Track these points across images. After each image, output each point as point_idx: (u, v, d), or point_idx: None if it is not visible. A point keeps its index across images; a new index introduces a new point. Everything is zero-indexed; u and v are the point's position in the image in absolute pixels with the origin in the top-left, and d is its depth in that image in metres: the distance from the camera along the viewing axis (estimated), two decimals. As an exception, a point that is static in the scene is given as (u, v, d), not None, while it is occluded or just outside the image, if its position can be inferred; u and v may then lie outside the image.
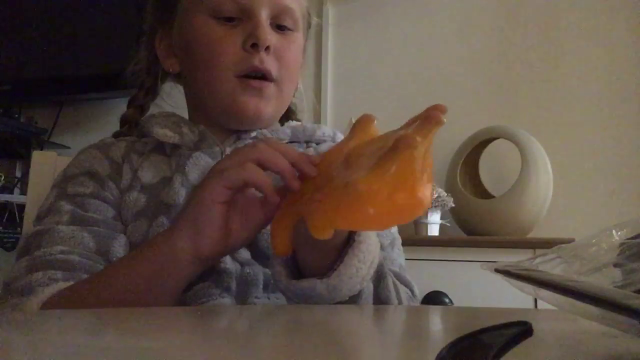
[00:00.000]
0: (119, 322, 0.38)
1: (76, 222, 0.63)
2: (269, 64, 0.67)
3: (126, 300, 0.52)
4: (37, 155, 0.85)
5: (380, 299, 0.56)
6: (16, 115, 2.31)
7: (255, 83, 0.67)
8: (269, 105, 0.69)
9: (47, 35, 2.15)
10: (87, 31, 2.11)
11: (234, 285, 0.61)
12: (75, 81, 2.09)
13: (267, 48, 0.67)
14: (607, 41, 1.94)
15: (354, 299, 0.52)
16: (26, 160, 2.28)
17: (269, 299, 0.62)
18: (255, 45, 0.66)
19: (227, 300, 0.60)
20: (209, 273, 0.61)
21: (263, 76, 0.67)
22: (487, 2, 2.06)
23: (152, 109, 0.81)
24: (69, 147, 2.28)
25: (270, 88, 0.68)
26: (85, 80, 2.07)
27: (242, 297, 0.61)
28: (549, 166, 1.74)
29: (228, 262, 0.61)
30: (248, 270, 0.61)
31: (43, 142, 2.30)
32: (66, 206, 0.65)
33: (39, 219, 0.66)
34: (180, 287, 0.54)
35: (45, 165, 0.84)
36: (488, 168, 1.95)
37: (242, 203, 0.54)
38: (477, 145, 1.83)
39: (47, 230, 0.62)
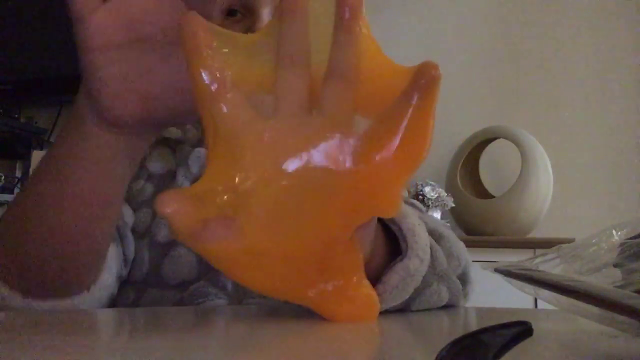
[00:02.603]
0: (118, 322, 0.38)
1: None
2: None
3: (69, 200, 0.43)
4: (37, 155, 0.85)
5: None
6: (16, 115, 2.31)
7: None
8: None
9: (47, 35, 2.14)
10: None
11: (229, 285, 0.61)
12: (75, 81, 2.09)
13: None
14: (608, 41, 1.94)
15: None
16: (26, 160, 2.28)
17: (265, 298, 0.61)
18: None
19: (223, 301, 0.60)
20: (205, 272, 0.61)
21: None
22: (487, 2, 2.06)
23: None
24: (69, 147, 2.28)
25: None
26: (85, 80, 2.07)
27: (238, 297, 0.61)
28: (549, 166, 1.74)
29: None
30: None
31: (43, 142, 2.30)
32: None
33: None
34: (109, 167, 0.42)
35: (45, 165, 0.84)
36: (488, 168, 1.94)
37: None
38: (477, 145, 1.83)
39: None
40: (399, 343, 0.33)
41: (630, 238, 0.34)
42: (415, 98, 0.32)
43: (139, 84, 0.39)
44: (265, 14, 0.67)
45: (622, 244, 0.34)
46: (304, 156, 0.32)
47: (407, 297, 0.44)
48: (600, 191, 1.89)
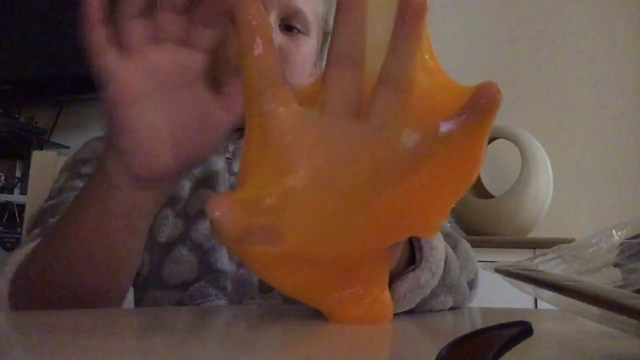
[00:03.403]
0: (117, 322, 0.38)
1: None
2: None
3: (91, 253, 0.43)
4: (37, 155, 0.85)
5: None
6: (16, 115, 2.31)
7: None
8: None
9: (47, 35, 2.14)
10: (87, 31, 2.11)
11: (229, 286, 0.61)
12: (75, 81, 2.09)
13: None
14: (608, 41, 1.94)
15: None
16: (26, 160, 2.28)
17: (264, 299, 0.62)
18: None
19: (223, 301, 0.60)
20: (205, 273, 0.61)
21: None
22: (487, 2, 2.06)
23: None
24: (68, 147, 2.28)
25: None
26: (85, 80, 2.07)
27: (238, 298, 0.61)
28: (549, 166, 1.74)
29: (224, 262, 0.61)
30: (243, 271, 0.61)
31: (43, 142, 2.30)
32: (81, 184, 0.62)
33: (51, 198, 0.63)
34: (133, 224, 0.43)
35: (45, 165, 0.84)
36: (488, 168, 1.94)
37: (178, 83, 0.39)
38: (477, 145, 1.83)
39: (60, 202, 0.60)
40: (399, 342, 0.33)
41: (630, 238, 0.34)
42: (472, 118, 0.30)
43: (169, 132, 0.38)
44: (272, 19, 0.66)
45: (622, 244, 0.34)
46: (352, 166, 0.31)
47: (413, 306, 0.44)
48: (600, 191, 1.89)
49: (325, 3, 0.71)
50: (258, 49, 0.31)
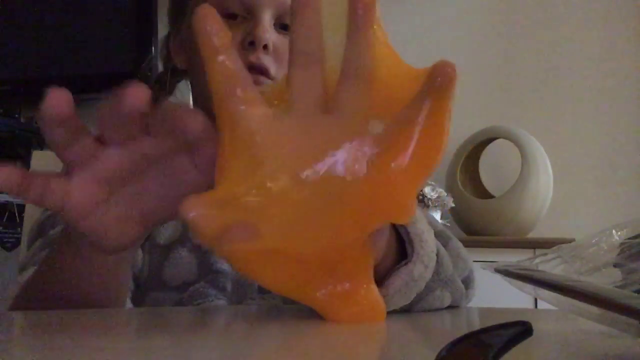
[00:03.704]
0: (117, 322, 0.38)
1: None
2: (267, 61, 0.66)
3: (76, 296, 0.43)
4: (37, 155, 0.85)
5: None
6: (16, 115, 2.31)
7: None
8: None
9: (47, 35, 2.14)
10: (87, 31, 2.11)
11: (229, 286, 0.61)
12: (75, 81, 2.09)
13: (266, 47, 0.66)
14: (608, 41, 1.94)
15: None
16: (26, 160, 2.28)
17: (264, 299, 0.62)
18: (252, 44, 0.66)
19: (222, 302, 0.60)
20: (205, 274, 0.61)
21: (260, 73, 0.67)
22: (487, 2, 2.06)
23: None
24: (69, 147, 2.28)
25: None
26: (86, 80, 2.07)
27: (238, 298, 0.61)
28: (549, 166, 1.74)
29: (224, 263, 0.61)
30: None
31: (43, 142, 2.29)
32: None
33: None
34: (110, 274, 0.42)
35: (45, 165, 0.84)
36: (488, 168, 1.94)
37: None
38: (477, 145, 1.83)
39: None
40: (398, 343, 0.33)
41: (630, 238, 0.34)
42: (430, 99, 0.31)
43: (137, 212, 0.37)
44: (267, 18, 0.66)
45: (622, 244, 0.34)
46: (320, 159, 0.31)
47: (409, 302, 0.44)
48: (600, 191, 1.89)
49: None
50: (220, 55, 0.32)
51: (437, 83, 0.30)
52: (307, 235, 0.33)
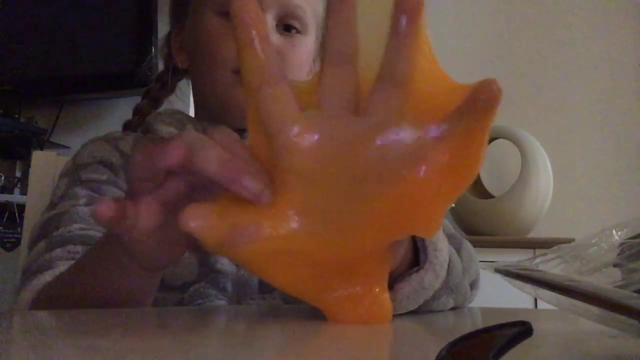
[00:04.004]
0: (118, 322, 0.38)
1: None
2: None
3: (105, 298, 0.44)
4: (37, 155, 0.85)
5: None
6: (16, 115, 2.31)
7: None
8: None
9: (47, 35, 2.14)
10: (87, 31, 2.11)
11: (229, 286, 0.61)
12: (75, 81, 2.09)
13: None
14: (608, 41, 1.94)
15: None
16: (26, 160, 2.28)
17: (264, 299, 0.62)
18: None
19: (223, 302, 0.60)
20: (205, 274, 0.61)
21: None
22: (487, 2, 2.06)
23: (167, 105, 0.82)
24: (69, 147, 2.28)
25: None
26: (85, 80, 2.07)
27: (238, 298, 0.61)
28: (549, 166, 1.74)
29: (224, 263, 0.61)
30: (243, 272, 0.61)
31: (43, 142, 2.29)
32: (82, 191, 0.62)
33: (52, 205, 0.63)
34: (139, 291, 0.44)
35: (45, 165, 0.84)
36: (488, 168, 1.94)
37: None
38: (477, 145, 1.83)
39: (64, 212, 0.60)
40: (399, 342, 0.33)
41: (630, 238, 0.34)
42: (471, 116, 0.29)
43: (175, 234, 0.36)
44: (269, 19, 0.66)
45: (622, 244, 0.34)
46: (348, 160, 0.30)
47: (415, 307, 0.44)
48: (600, 191, 1.89)
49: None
50: (255, 45, 0.31)
51: (481, 99, 0.29)
52: (324, 236, 0.32)
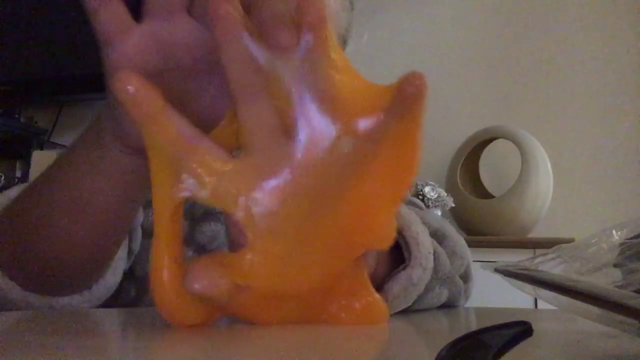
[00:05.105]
0: (117, 322, 0.38)
1: None
2: None
3: (76, 207, 0.42)
4: (37, 155, 0.85)
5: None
6: (16, 115, 2.31)
7: None
8: None
9: (47, 35, 2.14)
10: (87, 31, 2.11)
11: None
12: (75, 81, 2.09)
13: None
14: (608, 41, 1.94)
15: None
16: (26, 160, 2.28)
17: None
18: None
19: None
20: None
21: None
22: (487, 2, 2.06)
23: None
24: (69, 147, 2.28)
25: None
26: (85, 80, 2.07)
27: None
28: (549, 166, 1.74)
29: None
30: None
31: (43, 142, 2.29)
32: None
33: None
34: (122, 187, 0.41)
35: (45, 165, 0.84)
36: (488, 168, 1.94)
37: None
38: (477, 145, 1.83)
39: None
40: (398, 343, 0.33)
41: (630, 238, 0.34)
42: (399, 115, 0.29)
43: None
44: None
45: (622, 244, 0.34)
46: (292, 201, 0.30)
47: (409, 304, 0.44)
48: (600, 191, 1.89)
49: (346, 13, 0.70)
50: (158, 120, 0.31)
51: (407, 94, 0.28)
52: (296, 274, 0.32)
